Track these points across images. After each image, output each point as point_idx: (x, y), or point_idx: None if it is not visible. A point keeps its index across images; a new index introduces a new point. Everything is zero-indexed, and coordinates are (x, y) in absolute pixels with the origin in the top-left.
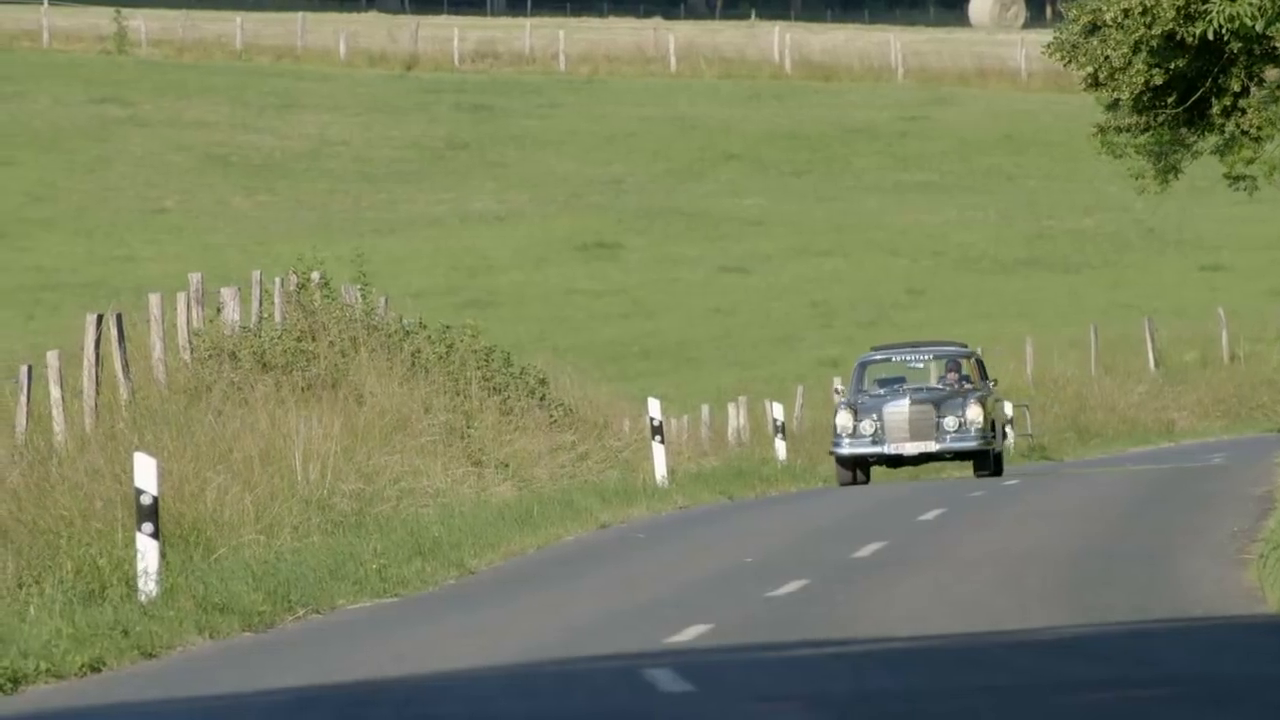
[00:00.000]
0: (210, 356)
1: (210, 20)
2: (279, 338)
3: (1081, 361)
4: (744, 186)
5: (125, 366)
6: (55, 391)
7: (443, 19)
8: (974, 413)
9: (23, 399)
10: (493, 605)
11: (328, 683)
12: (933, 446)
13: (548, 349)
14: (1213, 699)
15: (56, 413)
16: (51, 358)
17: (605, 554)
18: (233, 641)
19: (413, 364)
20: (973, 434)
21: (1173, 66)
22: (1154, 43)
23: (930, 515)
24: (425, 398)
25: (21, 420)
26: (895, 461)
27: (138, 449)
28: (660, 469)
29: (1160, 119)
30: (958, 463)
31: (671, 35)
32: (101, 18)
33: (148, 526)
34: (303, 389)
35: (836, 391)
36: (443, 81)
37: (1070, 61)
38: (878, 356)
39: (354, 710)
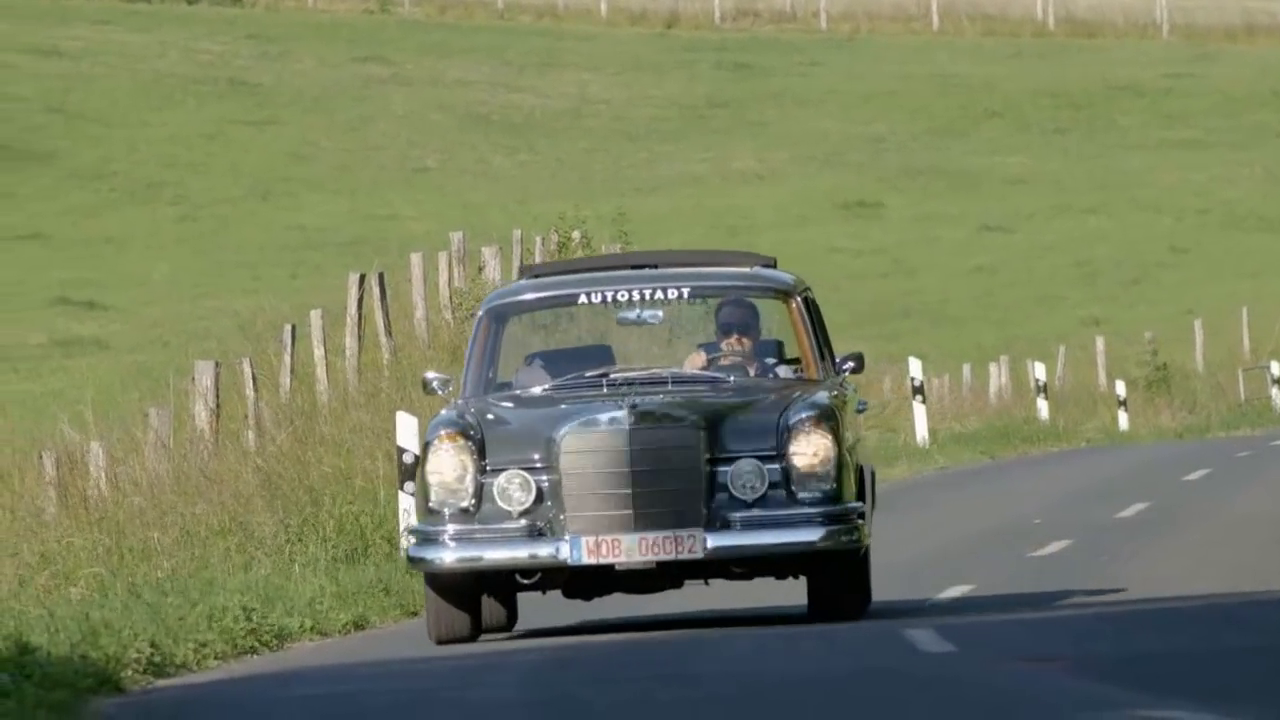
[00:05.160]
0: (472, 315)
1: None
2: None
3: None
4: (1006, 144)
5: (387, 325)
6: (318, 350)
7: None
8: (811, 447)
9: (286, 358)
10: None
11: (582, 644)
12: (697, 545)
13: None
14: None
15: (320, 371)
16: (314, 317)
17: None
18: None
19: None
20: (808, 504)
21: None
22: None
23: (1195, 475)
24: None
25: (285, 379)
26: (591, 584)
27: (400, 408)
28: (921, 429)
29: None
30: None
31: None
32: None
33: (410, 485)
34: None
35: (430, 386)
36: (703, 40)
37: None
38: (531, 296)
39: (612, 668)
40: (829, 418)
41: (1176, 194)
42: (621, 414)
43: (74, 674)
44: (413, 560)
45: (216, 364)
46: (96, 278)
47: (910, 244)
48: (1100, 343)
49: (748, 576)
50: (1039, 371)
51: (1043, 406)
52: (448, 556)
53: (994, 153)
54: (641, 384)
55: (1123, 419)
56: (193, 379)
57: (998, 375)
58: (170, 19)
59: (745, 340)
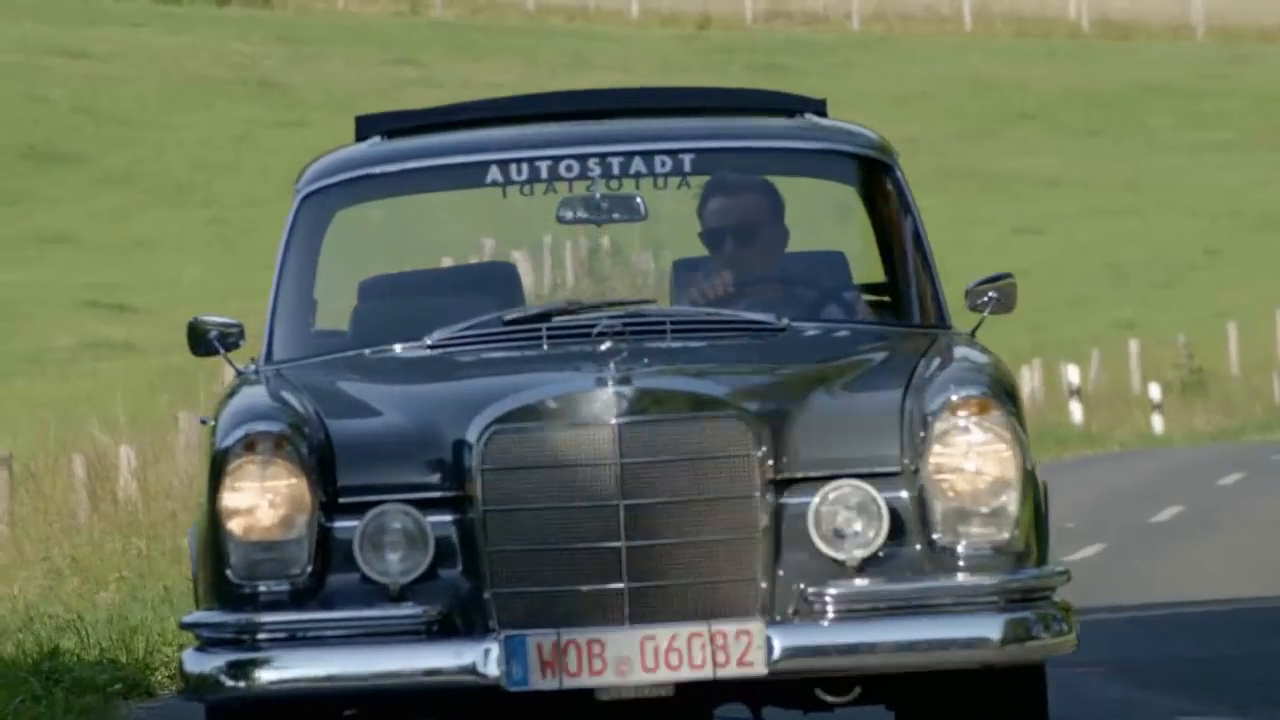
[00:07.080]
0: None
1: None
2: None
3: None
4: (1038, 146)
5: None
6: None
7: None
8: (974, 456)
9: None
10: None
11: None
12: (754, 650)
13: None
14: None
15: None
16: None
17: None
18: None
19: None
20: (973, 568)
21: None
22: None
23: (1230, 479)
24: None
25: None
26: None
27: None
28: None
29: None
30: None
31: None
32: None
33: None
34: None
35: (208, 341)
36: (734, 41)
37: None
38: (389, 169)
39: None
40: (1007, 397)
41: (1210, 196)
42: (601, 391)
43: (104, 679)
44: (190, 680)
45: (248, 364)
46: (126, 280)
47: (942, 245)
48: (1134, 346)
49: (834, 706)
50: (1072, 374)
51: (1076, 410)
52: (262, 675)
53: (1026, 154)
54: (626, 331)
55: (1157, 422)
56: (222, 382)
57: (1030, 378)
58: (200, 21)
59: (764, 251)
